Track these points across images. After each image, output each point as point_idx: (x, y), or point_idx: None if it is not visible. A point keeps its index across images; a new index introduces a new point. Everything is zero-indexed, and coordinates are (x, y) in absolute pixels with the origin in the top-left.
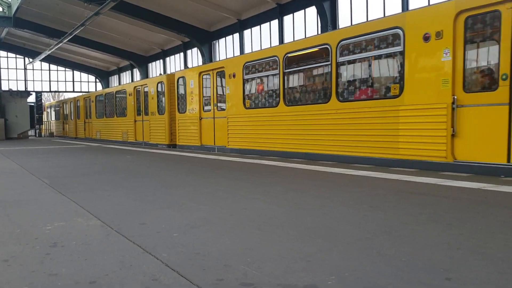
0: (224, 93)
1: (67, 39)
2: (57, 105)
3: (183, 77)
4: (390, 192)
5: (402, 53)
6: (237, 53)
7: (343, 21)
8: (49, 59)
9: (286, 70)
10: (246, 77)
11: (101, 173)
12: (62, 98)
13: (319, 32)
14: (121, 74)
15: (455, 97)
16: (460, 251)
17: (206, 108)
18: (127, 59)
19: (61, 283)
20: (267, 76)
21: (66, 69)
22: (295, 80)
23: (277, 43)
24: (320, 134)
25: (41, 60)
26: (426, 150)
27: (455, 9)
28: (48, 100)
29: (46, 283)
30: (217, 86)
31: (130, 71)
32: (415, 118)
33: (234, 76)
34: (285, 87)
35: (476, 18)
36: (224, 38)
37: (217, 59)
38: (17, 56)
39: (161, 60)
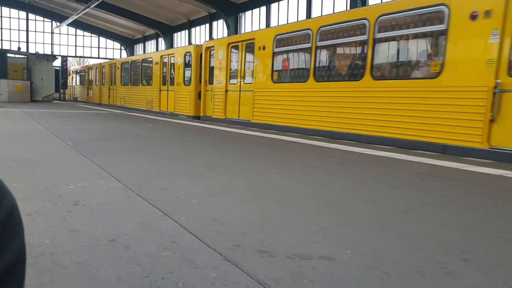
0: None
1: (94, 4)
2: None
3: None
4: (410, 173)
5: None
6: (263, 26)
7: None
8: (76, 24)
9: None
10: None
11: (123, 138)
12: (87, 63)
13: (348, 7)
14: (146, 42)
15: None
16: (478, 234)
17: None
18: (153, 27)
19: (82, 239)
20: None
21: (92, 35)
22: None
23: (304, 18)
24: None
25: (68, 25)
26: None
27: None
28: (73, 65)
29: (68, 238)
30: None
31: (155, 40)
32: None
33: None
34: None
35: None
36: (250, 11)
37: (243, 32)
38: (45, 19)
39: (187, 31)
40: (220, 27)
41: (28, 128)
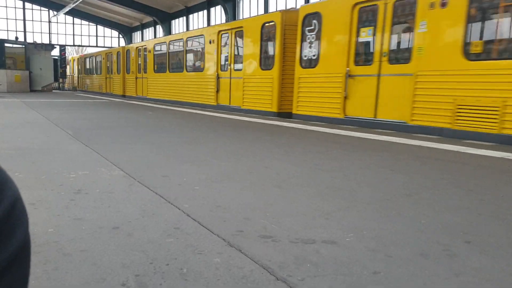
0: None
1: None
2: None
3: None
4: (411, 157)
5: None
6: (261, 12)
7: None
8: (73, 13)
9: None
10: None
11: (124, 127)
12: (85, 52)
13: None
14: (144, 30)
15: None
16: (480, 216)
17: None
18: (151, 15)
19: (85, 227)
20: None
21: (90, 23)
22: None
23: (304, 4)
24: None
25: (65, 14)
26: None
27: None
28: (71, 54)
29: (71, 226)
30: None
31: (153, 28)
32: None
33: None
34: None
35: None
36: None
37: (241, 18)
38: (42, 8)
39: (184, 17)
40: (218, 14)
41: (28, 118)
